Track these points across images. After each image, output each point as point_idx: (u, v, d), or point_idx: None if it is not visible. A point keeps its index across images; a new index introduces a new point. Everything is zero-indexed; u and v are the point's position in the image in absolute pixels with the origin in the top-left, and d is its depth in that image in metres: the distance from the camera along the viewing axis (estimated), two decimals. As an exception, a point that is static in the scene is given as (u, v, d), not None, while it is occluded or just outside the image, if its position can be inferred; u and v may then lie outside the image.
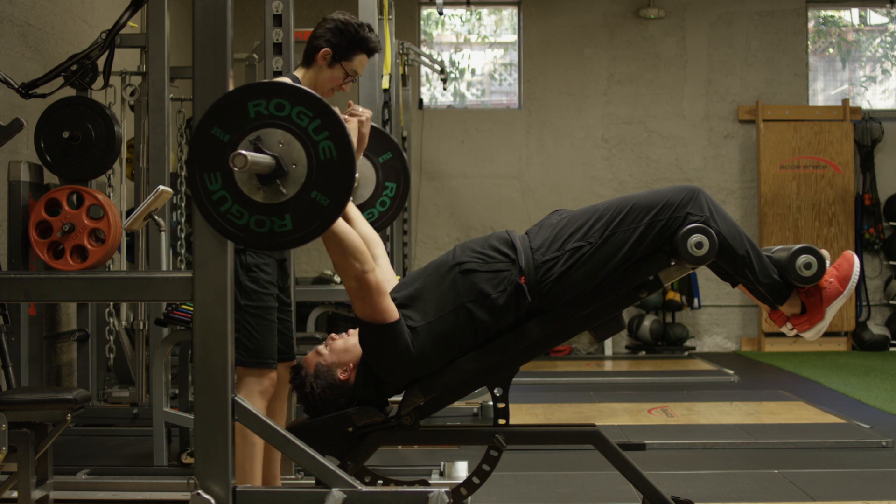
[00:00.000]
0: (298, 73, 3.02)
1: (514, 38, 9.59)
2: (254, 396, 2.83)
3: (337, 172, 1.90)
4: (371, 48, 2.98)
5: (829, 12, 9.61)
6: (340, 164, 1.90)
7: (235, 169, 1.85)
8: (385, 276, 2.57)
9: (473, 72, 9.71)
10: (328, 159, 1.90)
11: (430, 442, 2.56)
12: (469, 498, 2.45)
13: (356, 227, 2.56)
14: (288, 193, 1.91)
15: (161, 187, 2.67)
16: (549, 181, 9.29)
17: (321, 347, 2.52)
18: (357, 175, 2.35)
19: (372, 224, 2.92)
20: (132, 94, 5.17)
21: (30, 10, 5.31)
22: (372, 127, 2.93)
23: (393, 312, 2.35)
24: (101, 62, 3.41)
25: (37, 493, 2.81)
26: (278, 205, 1.91)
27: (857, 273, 2.51)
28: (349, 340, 2.50)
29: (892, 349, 8.79)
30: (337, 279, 7.24)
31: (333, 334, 2.56)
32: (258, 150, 1.88)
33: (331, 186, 1.90)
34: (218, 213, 1.92)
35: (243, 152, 1.84)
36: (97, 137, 3.31)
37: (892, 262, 9.08)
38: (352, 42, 2.94)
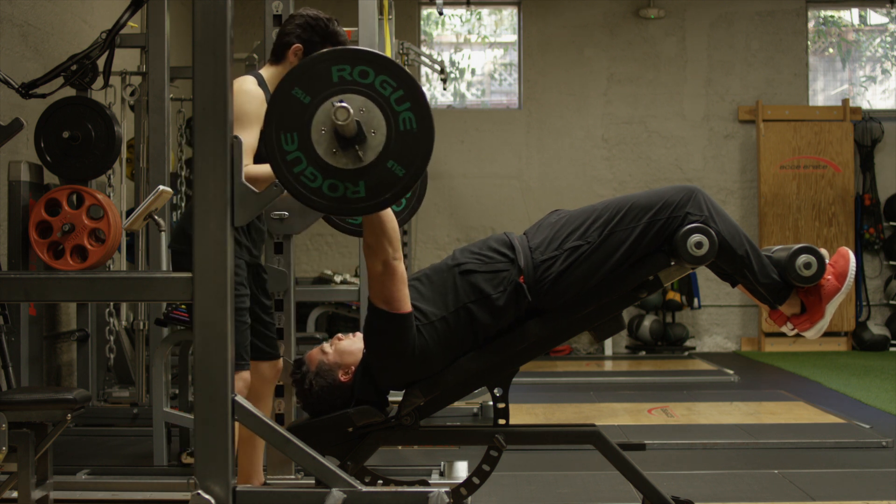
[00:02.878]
0: (265, 71, 3.03)
1: (514, 38, 9.59)
2: None
3: (415, 144, 1.91)
4: (341, 42, 3.01)
5: (829, 12, 9.61)
6: (420, 136, 1.90)
7: (339, 122, 1.85)
8: None
9: (473, 72, 9.71)
10: (407, 130, 1.90)
11: (430, 442, 2.56)
12: (469, 498, 2.45)
13: None
14: (365, 160, 1.90)
15: (161, 187, 2.67)
16: (549, 181, 9.29)
17: (326, 345, 2.51)
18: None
19: None
20: (132, 94, 5.17)
21: (30, 10, 5.31)
22: None
23: (407, 304, 2.34)
24: (101, 62, 3.41)
25: (37, 493, 2.81)
26: (354, 171, 1.91)
27: (854, 268, 2.51)
28: (354, 343, 2.50)
29: (892, 349, 8.79)
30: (337, 279, 7.24)
31: (340, 334, 2.56)
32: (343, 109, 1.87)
33: (408, 157, 1.91)
34: (291, 174, 1.92)
35: (346, 105, 1.84)
36: (97, 137, 3.32)
37: (892, 262, 9.08)
38: (322, 37, 2.97)
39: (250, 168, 2.77)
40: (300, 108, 1.91)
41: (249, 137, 2.82)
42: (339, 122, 1.85)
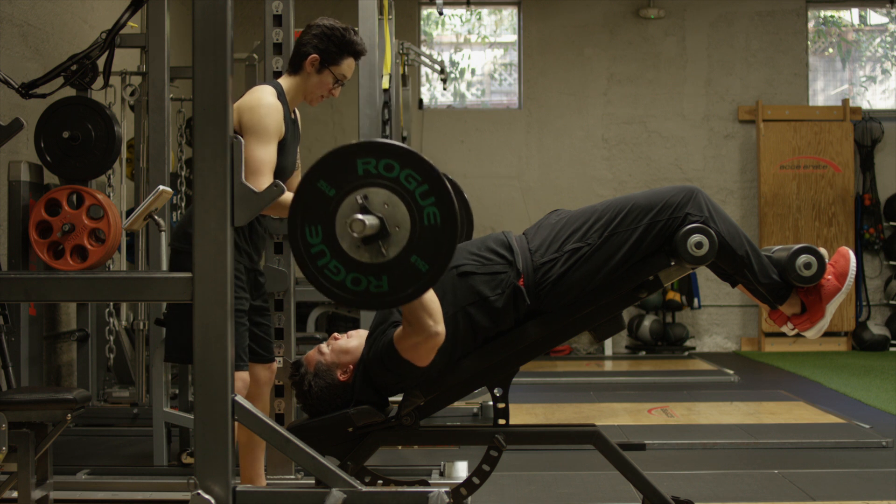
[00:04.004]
0: (284, 82, 3.02)
1: (514, 38, 9.59)
2: None
3: (439, 239, 1.89)
4: (358, 51, 3.00)
5: (829, 12, 9.61)
6: (444, 231, 1.89)
7: (354, 234, 1.85)
8: None
9: (473, 72, 9.71)
10: (431, 225, 1.89)
11: (430, 442, 2.55)
12: (469, 498, 2.45)
13: None
14: (388, 255, 1.90)
15: (161, 187, 2.67)
16: (549, 181, 9.29)
17: (323, 346, 2.51)
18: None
19: None
20: (132, 94, 5.16)
21: (30, 10, 5.31)
22: None
23: (431, 360, 2.32)
24: (101, 62, 3.41)
25: (37, 493, 2.81)
26: (377, 265, 1.91)
27: (854, 268, 2.51)
28: (350, 342, 2.49)
29: (892, 349, 8.79)
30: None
31: (336, 334, 2.55)
32: (364, 209, 1.88)
33: (431, 253, 1.90)
34: (315, 266, 1.92)
35: (361, 217, 1.84)
36: (97, 137, 3.31)
37: (892, 262, 9.08)
38: (339, 46, 2.96)
39: (286, 195, 2.69)
40: (325, 200, 1.90)
41: (269, 153, 2.82)
42: (355, 235, 1.85)
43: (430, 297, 2.23)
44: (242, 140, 2.82)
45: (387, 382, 2.39)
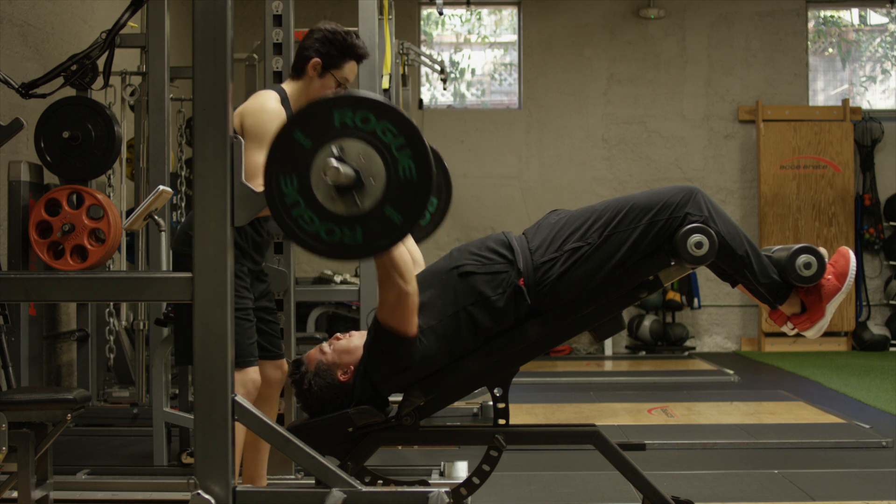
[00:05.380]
0: (287, 87, 3.03)
1: (514, 38, 9.59)
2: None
3: (414, 192, 1.90)
4: (360, 54, 3.02)
5: (829, 12, 9.62)
6: (418, 185, 1.90)
7: (327, 179, 1.86)
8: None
9: (473, 72, 9.71)
10: (407, 178, 1.89)
11: (430, 442, 2.55)
12: (469, 498, 2.45)
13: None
14: (363, 207, 1.90)
15: (161, 187, 2.67)
16: (549, 181, 9.29)
17: (325, 345, 2.51)
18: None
19: None
20: (132, 94, 5.17)
21: (30, 10, 5.31)
22: None
23: (415, 327, 2.33)
24: (101, 62, 3.41)
25: (37, 493, 2.81)
26: (351, 217, 1.91)
27: (854, 268, 2.51)
28: (352, 342, 2.49)
29: (892, 349, 8.79)
30: (337, 279, 7.24)
31: (339, 333, 2.55)
32: (340, 160, 1.88)
33: (406, 205, 1.90)
34: (289, 216, 1.92)
35: (335, 164, 1.85)
36: (97, 137, 3.31)
37: (892, 262, 9.08)
38: (341, 50, 2.97)
39: None
40: (301, 151, 1.90)
41: None
42: (329, 181, 1.86)
43: (400, 257, 2.26)
44: (243, 143, 2.83)
45: (386, 372, 2.38)
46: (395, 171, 1.90)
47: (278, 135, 1.92)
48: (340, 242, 1.92)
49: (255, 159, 2.79)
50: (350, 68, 3.01)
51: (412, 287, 2.28)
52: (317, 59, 2.96)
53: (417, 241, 3.18)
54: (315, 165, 1.90)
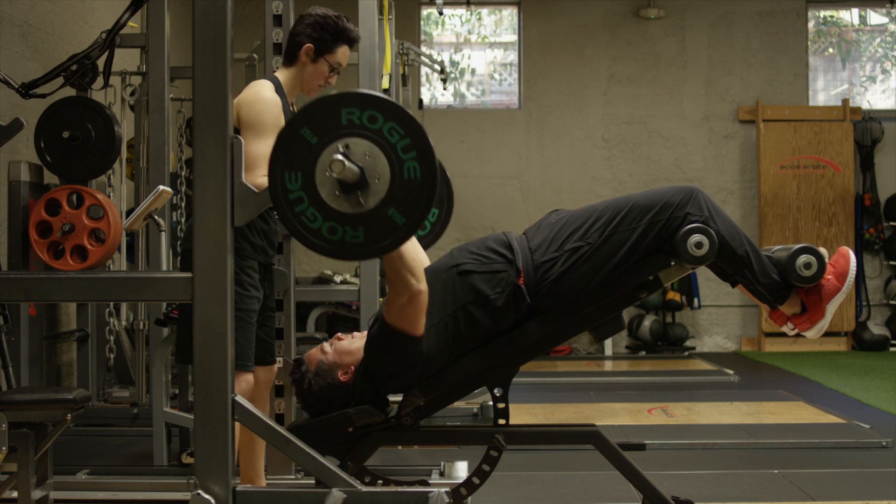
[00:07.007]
0: (280, 75, 3.03)
1: (514, 38, 9.59)
2: None
3: (417, 194, 1.89)
4: (352, 38, 3.01)
5: (829, 12, 9.61)
6: (422, 186, 1.89)
7: (333, 174, 1.85)
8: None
9: (473, 72, 9.71)
10: (411, 179, 1.89)
11: (430, 442, 2.56)
12: (469, 498, 2.45)
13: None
14: (366, 206, 1.90)
15: (161, 187, 2.67)
16: (549, 181, 9.29)
17: (326, 345, 2.51)
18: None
19: None
20: (132, 94, 5.17)
21: (30, 10, 5.31)
22: None
23: (423, 327, 2.33)
24: (101, 62, 3.41)
25: (37, 493, 2.81)
26: (354, 215, 1.90)
27: (854, 268, 2.51)
28: (354, 342, 2.49)
29: (892, 349, 8.79)
30: (337, 279, 7.24)
31: (340, 334, 2.55)
32: (345, 157, 1.87)
33: (409, 207, 1.90)
34: (292, 212, 1.91)
35: (341, 157, 1.84)
36: (97, 137, 3.31)
37: (892, 262, 9.08)
38: (333, 34, 2.97)
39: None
40: (307, 147, 1.90)
41: (267, 147, 2.82)
42: (334, 174, 1.85)
43: (411, 255, 2.25)
44: (241, 136, 2.83)
45: (388, 371, 2.38)
46: (399, 172, 1.89)
47: (284, 130, 1.92)
48: (342, 241, 1.92)
49: (254, 149, 2.78)
50: (343, 52, 3.01)
51: (423, 285, 2.27)
52: (309, 45, 2.96)
53: None
54: (320, 162, 1.90)
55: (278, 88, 2.94)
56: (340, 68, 3.04)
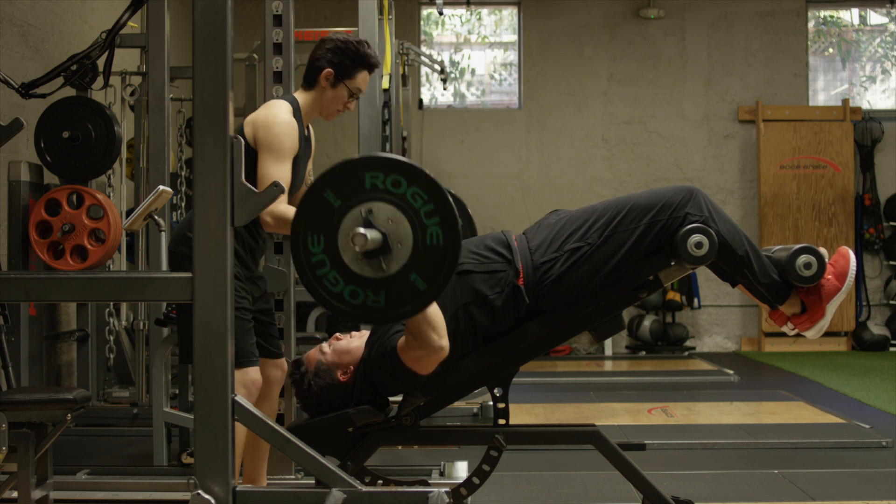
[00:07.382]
0: (299, 97, 3.03)
1: (514, 38, 9.59)
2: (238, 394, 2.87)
3: (440, 259, 1.89)
4: (372, 64, 3.02)
5: (829, 12, 9.61)
6: (445, 252, 1.89)
7: (355, 248, 1.85)
8: None
9: (473, 72, 9.71)
10: (434, 245, 1.89)
11: (430, 442, 2.55)
12: (469, 498, 2.45)
13: None
14: (388, 271, 1.90)
15: (161, 187, 2.67)
16: (549, 181, 9.29)
17: (325, 345, 2.51)
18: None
19: None
20: (132, 94, 5.17)
21: (30, 10, 5.31)
22: None
23: (433, 369, 2.32)
24: (101, 62, 3.42)
25: (37, 493, 2.81)
26: (376, 280, 1.90)
27: (854, 268, 2.51)
28: (352, 342, 2.49)
29: (892, 349, 8.79)
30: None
31: (338, 333, 2.55)
32: (368, 223, 1.87)
33: (431, 272, 1.89)
34: (314, 275, 1.91)
35: (363, 231, 1.84)
36: (97, 137, 3.32)
37: (892, 262, 9.08)
38: (353, 60, 2.97)
39: (286, 208, 2.76)
40: (330, 211, 1.90)
41: (284, 171, 2.84)
42: (356, 249, 1.85)
43: (435, 312, 2.22)
44: (257, 156, 2.83)
45: (387, 385, 2.39)
46: (422, 238, 1.89)
47: (308, 193, 1.93)
48: (364, 305, 1.92)
49: (270, 172, 2.80)
50: (362, 78, 3.01)
51: (445, 341, 2.24)
52: (329, 70, 2.96)
53: None
54: (343, 226, 1.90)
55: (296, 111, 2.94)
56: (360, 94, 3.04)
